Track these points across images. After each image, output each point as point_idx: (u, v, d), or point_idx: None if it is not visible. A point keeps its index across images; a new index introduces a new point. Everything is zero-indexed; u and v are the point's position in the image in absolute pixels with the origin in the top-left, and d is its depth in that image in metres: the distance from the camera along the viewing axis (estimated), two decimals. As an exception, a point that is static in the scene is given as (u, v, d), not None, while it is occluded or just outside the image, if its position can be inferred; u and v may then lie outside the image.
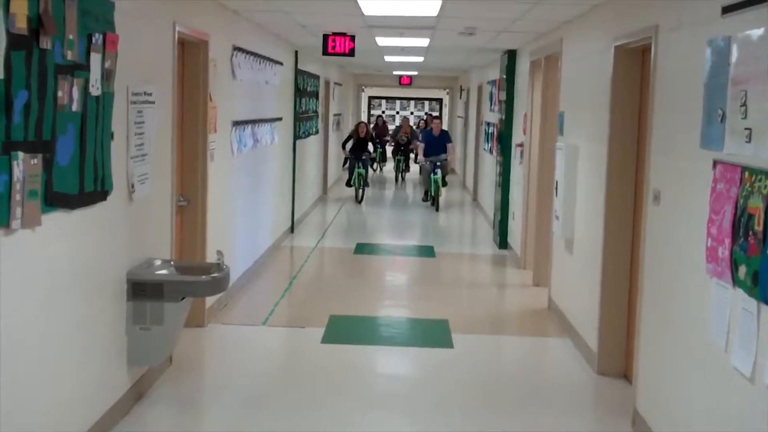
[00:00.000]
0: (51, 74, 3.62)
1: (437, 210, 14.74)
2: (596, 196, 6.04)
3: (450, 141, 15.61)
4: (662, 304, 4.53)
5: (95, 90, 4.13)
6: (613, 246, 5.76)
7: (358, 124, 16.69)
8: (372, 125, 24.36)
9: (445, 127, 29.35)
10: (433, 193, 14.97)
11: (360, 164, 15.83)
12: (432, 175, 14.84)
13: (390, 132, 23.82)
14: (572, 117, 7.07)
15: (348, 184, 16.11)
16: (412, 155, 21.29)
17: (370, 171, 18.65)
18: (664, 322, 4.50)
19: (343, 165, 17.60)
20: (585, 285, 6.29)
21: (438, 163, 14.92)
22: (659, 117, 4.73)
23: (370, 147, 16.68)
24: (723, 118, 3.64)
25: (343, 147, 16.49)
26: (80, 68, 3.94)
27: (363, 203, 15.65)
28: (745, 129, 3.40)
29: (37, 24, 3.46)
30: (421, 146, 15.47)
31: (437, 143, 15.29)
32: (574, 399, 5.50)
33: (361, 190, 15.80)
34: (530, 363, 6.50)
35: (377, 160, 21.99)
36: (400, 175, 20.84)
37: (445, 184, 15.38)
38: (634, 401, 4.94)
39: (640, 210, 5.36)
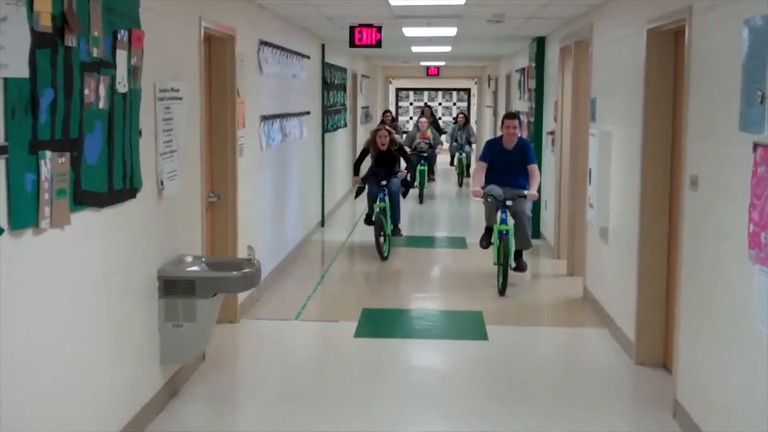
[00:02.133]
0: (77, 72, 3.59)
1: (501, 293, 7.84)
2: (631, 183, 5.93)
3: (534, 161, 8.09)
4: (703, 292, 4.43)
5: (122, 87, 4.11)
6: (649, 233, 5.65)
7: (376, 132, 9.94)
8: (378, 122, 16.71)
9: (474, 118, 26.02)
10: (510, 257, 7.80)
11: (383, 194, 9.55)
12: (500, 222, 7.81)
13: (402, 135, 16.81)
14: (605, 103, 6.96)
15: (368, 220, 9.78)
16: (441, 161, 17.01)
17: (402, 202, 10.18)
18: (704, 310, 4.39)
19: (356, 195, 10.54)
20: (621, 274, 6.19)
21: (510, 203, 7.82)
22: (695, 100, 4.62)
23: (402, 165, 10.16)
24: (763, 99, 3.53)
25: (355, 170, 10.19)
26: (106, 65, 3.92)
27: (389, 260, 9.49)
28: (787, 110, 3.30)
29: (61, 22, 3.43)
30: (480, 168, 8.15)
31: (511, 164, 8.04)
32: (613, 390, 5.40)
33: (383, 241, 9.37)
34: (567, 354, 6.42)
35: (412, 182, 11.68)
36: (423, 190, 15.03)
37: (521, 261, 8.01)
38: (674, 391, 4.84)
39: (676, 196, 5.26)
